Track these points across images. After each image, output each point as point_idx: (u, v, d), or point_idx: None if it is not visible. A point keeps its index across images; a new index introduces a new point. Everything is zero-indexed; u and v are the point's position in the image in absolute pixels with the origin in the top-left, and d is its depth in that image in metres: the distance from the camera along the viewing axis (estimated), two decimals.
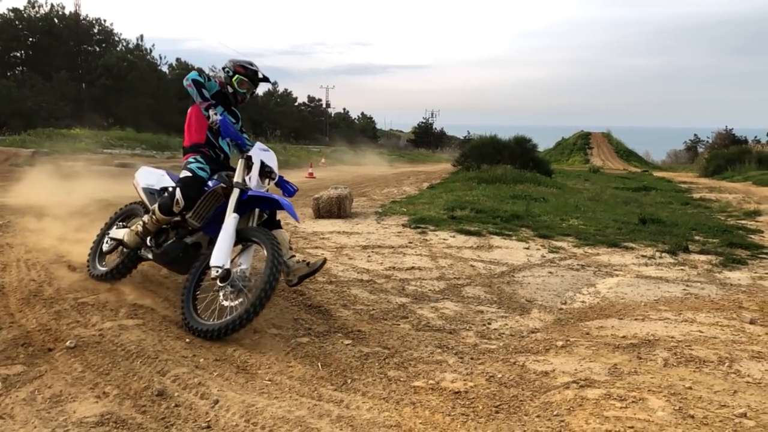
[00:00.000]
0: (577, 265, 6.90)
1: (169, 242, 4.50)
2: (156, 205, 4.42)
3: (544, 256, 7.27)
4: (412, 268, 6.35)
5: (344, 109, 70.04)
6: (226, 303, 3.94)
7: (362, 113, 72.23)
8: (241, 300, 3.91)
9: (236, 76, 4.56)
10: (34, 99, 35.19)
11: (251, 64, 4.65)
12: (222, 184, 4.31)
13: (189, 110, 4.61)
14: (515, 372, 3.67)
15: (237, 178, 4.30)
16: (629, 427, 2.88)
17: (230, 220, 4.09)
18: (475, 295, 5.45)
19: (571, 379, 3.53)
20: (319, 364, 3.68)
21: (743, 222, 11.16)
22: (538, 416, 3.05)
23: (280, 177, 4.60)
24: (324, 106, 65.78)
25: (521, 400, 3.26)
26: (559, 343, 4.21)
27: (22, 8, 41.99)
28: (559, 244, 8.09)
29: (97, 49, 44.77)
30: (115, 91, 40.10)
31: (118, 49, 45.08)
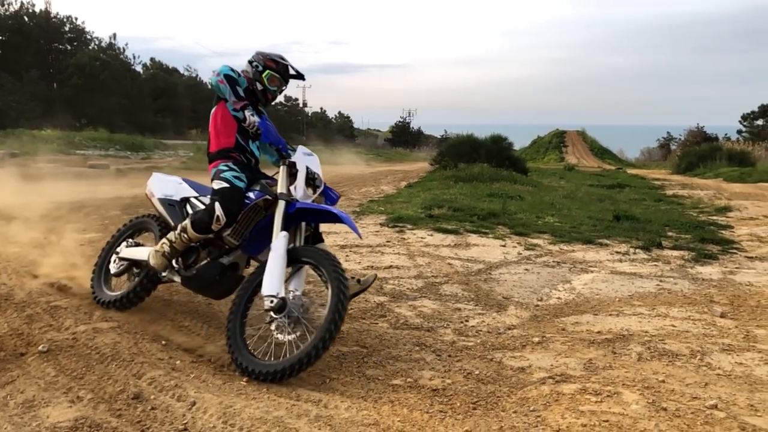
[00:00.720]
0: (553, 262, 6.98)
1: (203, 264, 3.95)
2: (188, 222, 3.85)
3: (521, 254, 7.33)
4: (390, 266, 6.36)
5: (321, 108, 70.00)
6: (281, 337, 3.44)
7: (339, 112, 72.29)
8: (299, 333, 3.44)
9: (267, 71, 4.01)
10: (3, 99, 34.42)
11: (282, 58, 4.10)
12: (267, 196, 3.79)
13: (213, 110, 4.02)
14: (492, 368, 3.70)
15: (281, 188, 3.76)
16: (604, 421, 2.93)
17: (280, 239, 3.54)
18: (452, 293, 5.48)
19: (547, 375, 3.58)
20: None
21: (714, 218, 11.39)
22: (514, 412, 3.08)
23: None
24: (301, 105, 65.55)
25: (498, 397, 3.29)
26: (536, 340, 4.25)
27: None
28: (535, 241, 8.17)
29: (69, 47, 43.94)
30: (88, 90, 39.40)
31: (90, 47, 44.32)
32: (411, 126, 68.45)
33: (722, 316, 4.90)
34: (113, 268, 4.42)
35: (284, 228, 3.62)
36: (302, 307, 3.52)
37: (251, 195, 3.82)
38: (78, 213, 8.56)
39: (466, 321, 4.72)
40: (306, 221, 3.87)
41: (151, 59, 50.27)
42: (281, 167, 3.84)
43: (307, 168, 3.89)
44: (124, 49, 46.37)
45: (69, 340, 3.68)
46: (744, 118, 48.38)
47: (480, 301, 5.26)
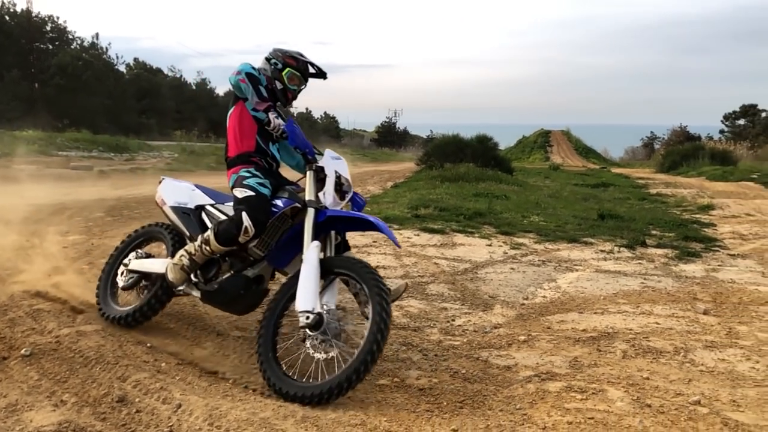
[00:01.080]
0: (538, 260, 7.02)
1: (225, 277, 3.70)
2: (211, 233, 3.57)
3: (506, 253, 7.37)
4: (377, 267, 6.35)
5: (306, 108, 69.65)
6: (317, 355, 3.18)
7: (325, 113, 71.98)
8: (337, 351, 3.19)
9: (287, 69, 3.79)
10: None
11: (302, 55, 3.88)
12: (296, 204, 3.58)
13: (231, 112, 3.78)
14: (479, 367, 3.72)
15: (308, 195, 3.55)
16: (589, 418, 2.95)
17: (312, 250, 3.31)
18: (438, 293, 5.49)
19: (533, 373, 3.60)
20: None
21: (697, 216, 11.51)
22: (501, 410, 3.10)
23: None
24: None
25: (485, 395, 3.31)
26: (522, 338, 4.28)
27: None
28: (520, 240, 8.21)
29: (51, 47, 43.45)
30: (70, 91, 38.94)
31: (72, 47, 43.83)
32: (397, 126, 68.38)
33: (705, 313, 4.96)
34: (121, 281, 4.14)
35: (314, 237, 3.40)
36: (338, 322, 3.29)
37: (278, 203, 3.58)
38: (61, 215, 8.46)
39: (453, 320, 4.74)
40: (336, 230, 3.66)
41: (135, 59, 49.72)
42: (308, 172, 3.64)
43: (336, 173, 3.68)
44: (106, 49, 45.88)
45: (52, 343, 3.64)
46: (726, 117, 48.95)
47: (466, 301, 5.28)
